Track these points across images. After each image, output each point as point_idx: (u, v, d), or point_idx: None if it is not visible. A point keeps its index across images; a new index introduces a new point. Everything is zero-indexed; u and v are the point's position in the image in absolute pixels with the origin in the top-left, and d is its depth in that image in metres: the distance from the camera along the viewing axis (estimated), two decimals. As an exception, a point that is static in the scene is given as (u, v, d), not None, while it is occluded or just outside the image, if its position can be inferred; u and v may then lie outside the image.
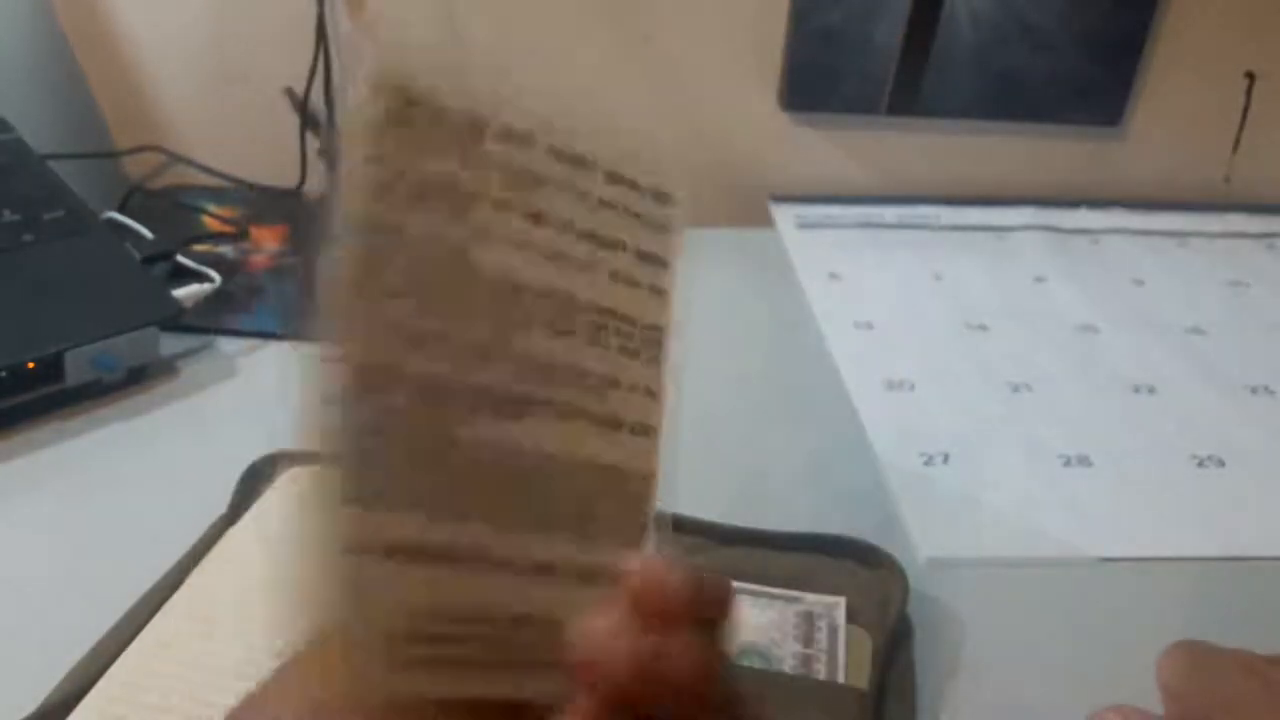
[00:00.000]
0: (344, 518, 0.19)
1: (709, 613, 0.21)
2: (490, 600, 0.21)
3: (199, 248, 0.71)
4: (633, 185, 0.24)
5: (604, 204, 0.23)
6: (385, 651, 0.20)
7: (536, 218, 0.22)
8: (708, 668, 0.20)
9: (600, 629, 0.20)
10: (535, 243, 0.22)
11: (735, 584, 0.42)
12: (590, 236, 0.23)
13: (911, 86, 0.84)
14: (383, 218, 0.20)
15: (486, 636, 0.21)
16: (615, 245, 0.23)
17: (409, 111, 0.21)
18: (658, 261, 0.24)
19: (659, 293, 0.24)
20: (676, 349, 0.24)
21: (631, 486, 0.23)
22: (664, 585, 0.20)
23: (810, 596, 0.42)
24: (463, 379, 0.21)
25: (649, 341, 0.24)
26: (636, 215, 0.24)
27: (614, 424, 0.23)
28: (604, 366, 0.23)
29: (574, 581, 0.22)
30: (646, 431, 0.23)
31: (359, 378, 0.20)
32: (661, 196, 0.24)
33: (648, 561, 0.21)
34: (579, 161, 0.23)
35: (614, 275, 0.23)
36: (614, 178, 0.24)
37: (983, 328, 0.69)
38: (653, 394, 0.24)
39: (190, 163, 0.84)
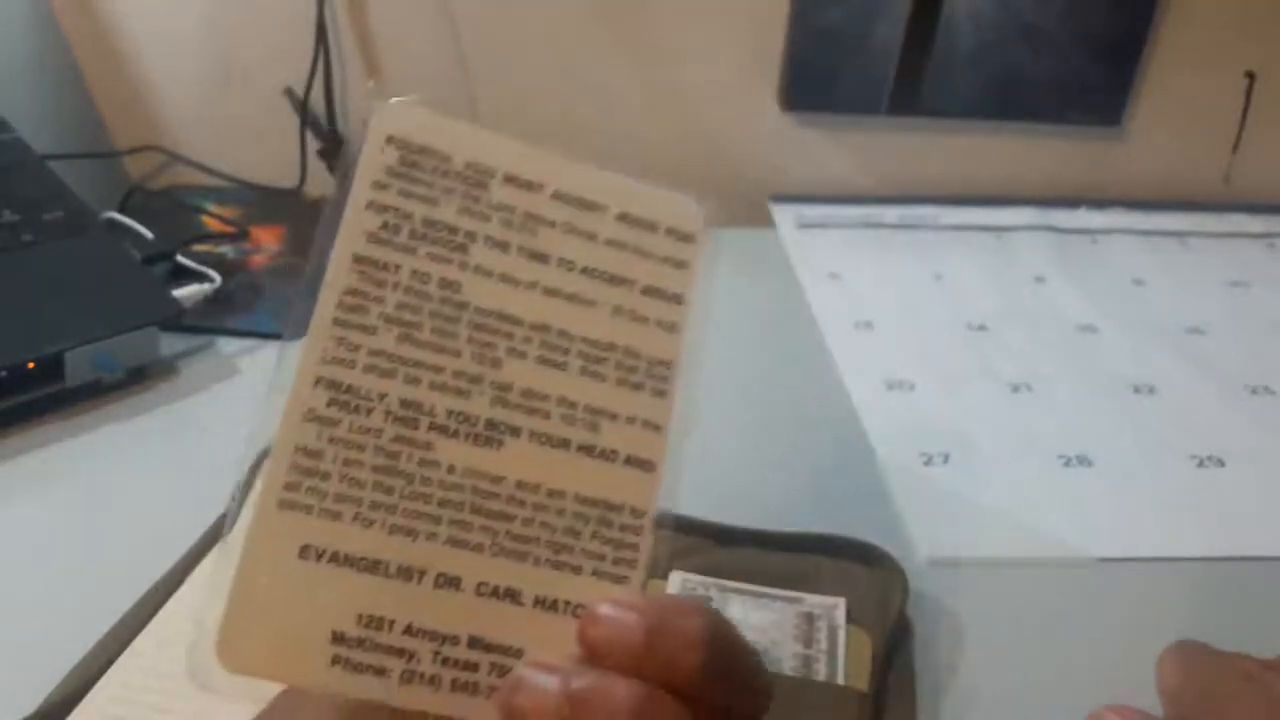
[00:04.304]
0: (301, 522, 0.21)
1: (667, 672, 0.20)
2: (444, 618, 0.21)
3: (199, 248, 0.71)
4: (648, 225, 0.25)
5: (612, 243, 0.24)
6: (320, 648, 0.21)
7: (535, 256, 0.24)
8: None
9: (537, 669, 0.20)
10: (531, 280, 0.23)
11: (735, 584, 0.42)
12: (593, 274, 0.24)
13: (911, 86, 0.84)
14: (378, 259, 0.22)
15: (436, 653, 0.21)
16: (620, 282, 0.24)
17: (415, 159, 0.23)
18: (669, 297, 0.25)
19: (669, 327, 0.24)
20: (689, 381, 0.24)
21: (620, 519, 0.23)
22: (611, 634, 0.20)
23: (810, 597, 0.42)
24: (441, 405, 0.22)
25: (655, 375, 0.24)
26: (647, 253, 0.25)
27: (605, 455, 0.23)
28: (598, 399, 0.23)
29: (538, 611, 0.22)
30: (643, 465, 0.23)
31: (337, 397, 0.22)
32: (681, 235, 0.25)
33: (610, 606, 0.20)
34: (587, 205, 0.24)
35: (617, 310, 0.24)
36: (627, 218, 0.25)
37: (983, 328, 0.69)
38: (656, 427, 0.24)
39: (190, 163, 0.84)
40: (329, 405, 0.21)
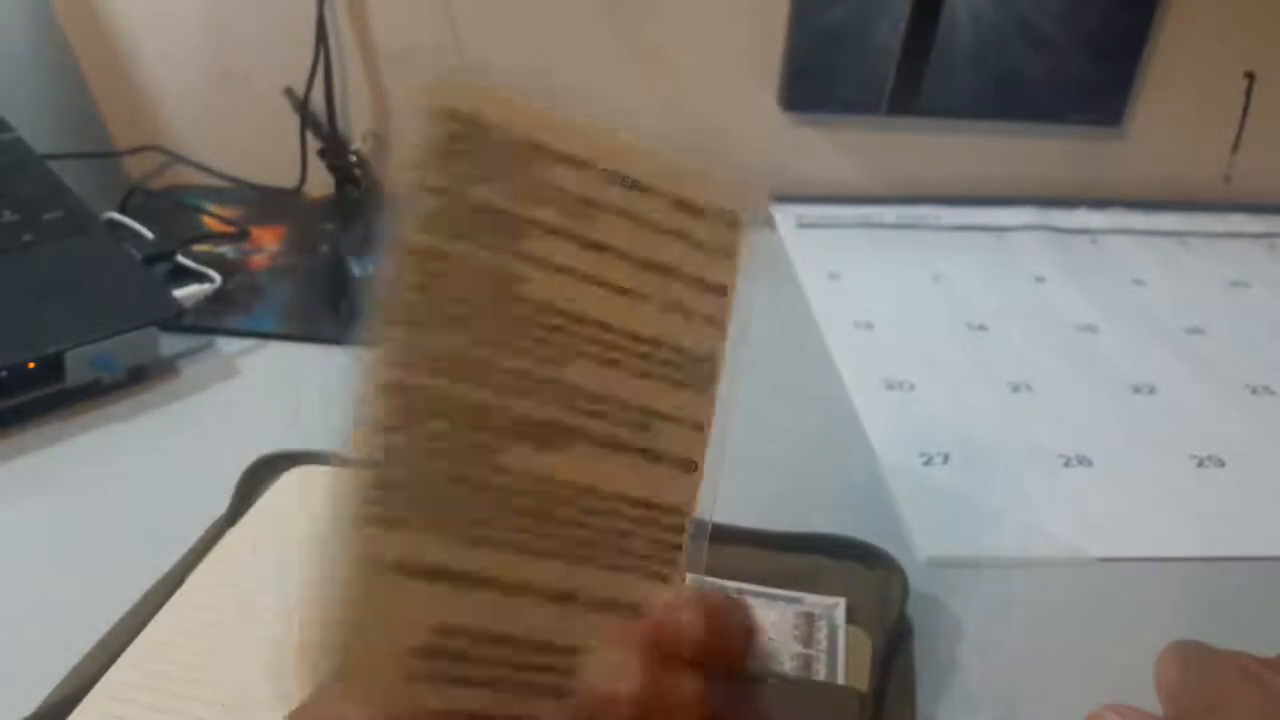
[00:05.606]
0: (373, 535, 0.20)
1: (724, 660, 0.21)
2: (511, 624, 0.21)
3: (199, 248, 0.71)
4: (698, 211, 0.24)
5: (666, 231, 0.23)
6: (401, 663, 0.20)
7: (592, 246, 0.22)
8: (711, 710, 0.20)
9: (609, 665, 0.21)
10: (588, 271, 0.22)
11: (735, 584, 0.42)
12: (647, 265, 0.23)
13: (911, 86, 0.84)
14: (435, 248, 0.21)
15: (505, 659, 0.21)
16: (670, 272, 0.23)
17: (468, 134, 0.21)
18: (714, 289, 0.24)
19: (713, 322, 0.24)
20: (728, 381, 0.24)
21: (665, 519, 0.23)
22: (678, 630, 0.21)
23: (810, 597, 0.42)
24: (506, 408, 0.21)
25: (698, 373, 0.23)
26: (697, 241, 0.23)
27: (654, 457, 0.23)
28: (649, 398, 0.23)
29: (595, 611, 0.22)
30: (686, 465, 0.23)
31: (402, 404, 0.20)
32: (729, 220, 0.24)
33: (668, 603, 0.21)
34: (639, 187, 0.23)
35: (667, 304, 0.23)
36: (679, 204, 0.23)
37: (983, 328, 0.69)
38: (698, 426, 0.23)
39: (190, 163, 0.84)
40: (397, 413, 0.20)
